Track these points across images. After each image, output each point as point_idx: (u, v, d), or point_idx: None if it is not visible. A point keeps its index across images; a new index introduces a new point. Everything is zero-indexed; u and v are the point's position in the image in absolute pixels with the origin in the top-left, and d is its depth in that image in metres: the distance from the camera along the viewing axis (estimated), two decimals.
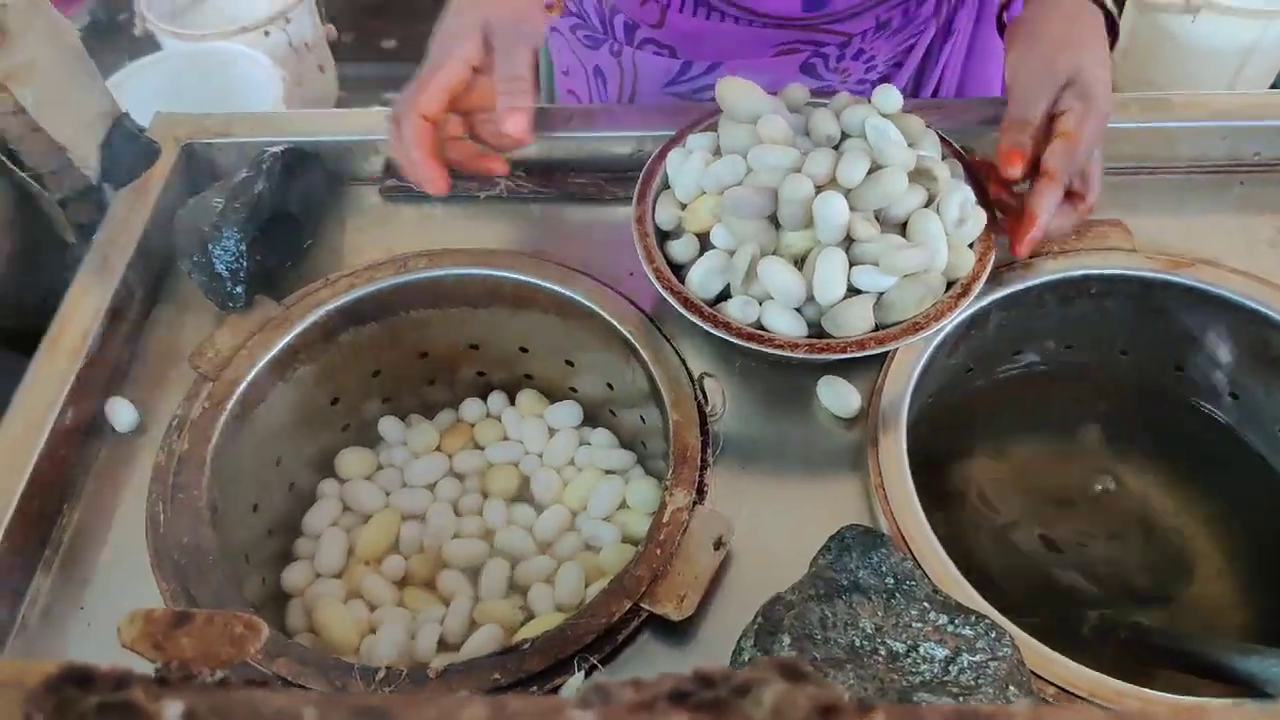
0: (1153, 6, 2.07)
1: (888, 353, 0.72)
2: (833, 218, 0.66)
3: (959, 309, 0.68)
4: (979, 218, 0.70)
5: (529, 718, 0.22)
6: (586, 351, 0.82)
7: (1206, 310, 0.78)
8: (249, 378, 0.74)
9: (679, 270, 0.72)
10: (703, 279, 0.70)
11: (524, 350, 0.86)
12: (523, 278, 0.80)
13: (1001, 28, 0.81)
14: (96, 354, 0.74)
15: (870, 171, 0.68)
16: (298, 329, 0.77)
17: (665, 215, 0.74)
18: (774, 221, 0.70)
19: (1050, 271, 0.78)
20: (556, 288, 0.79)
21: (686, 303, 0.69)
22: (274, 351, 0.76)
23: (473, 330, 0.85)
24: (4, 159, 0.80)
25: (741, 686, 0.22)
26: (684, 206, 0.74)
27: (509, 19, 0.71)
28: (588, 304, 0.78)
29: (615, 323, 0.76)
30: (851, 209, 0.67)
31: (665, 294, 0.70)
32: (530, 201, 0.87)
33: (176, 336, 0.79)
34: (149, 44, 2.10)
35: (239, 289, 0.76)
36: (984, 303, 0.76)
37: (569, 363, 0.85)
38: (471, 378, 0.89)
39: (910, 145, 0.71)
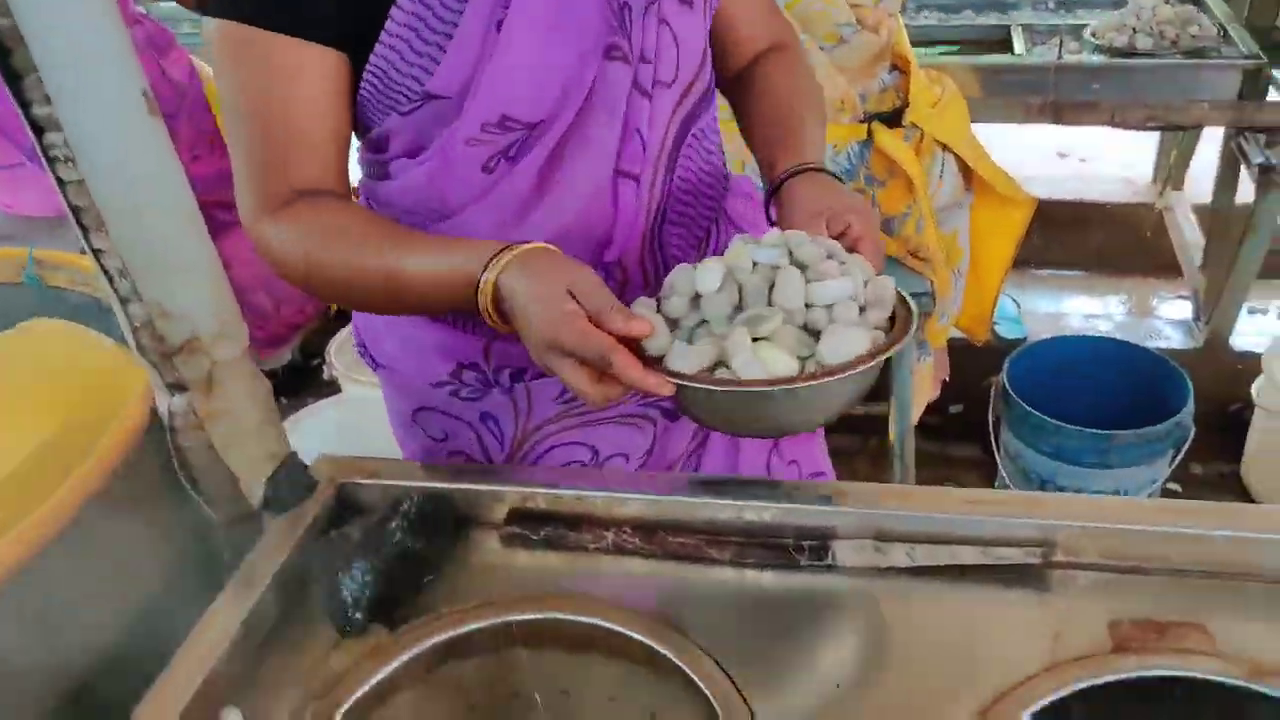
0: None
1: None
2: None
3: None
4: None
5: None
6: (672, 706, 0.85)
7: None
8: (347, 703, 0.80)
9: None
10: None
11: (612, 700, 0.89)
12: (617, 628, 0.85)
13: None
14: (222, 666, 0.81)
15: None
16: (400, 659, 0.84)
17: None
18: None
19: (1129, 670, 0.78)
20: (649, 641, 0.84)
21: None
22: (375, 679, 0.82)
23: (568, 676, 0.89)
24: (187, 485, 0.93)
25: None
26: None
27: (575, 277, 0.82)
28: (677, 662, 0.82)
29: (702, 685, 0.80)
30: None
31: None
32: (633, 556, 0.94)
33: (298, 654, 0.86)
34: (333, 386, 2.35)
35: (358, 615, 0.84)
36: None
37: (653, 716, 0.87)
38: None
39: None
